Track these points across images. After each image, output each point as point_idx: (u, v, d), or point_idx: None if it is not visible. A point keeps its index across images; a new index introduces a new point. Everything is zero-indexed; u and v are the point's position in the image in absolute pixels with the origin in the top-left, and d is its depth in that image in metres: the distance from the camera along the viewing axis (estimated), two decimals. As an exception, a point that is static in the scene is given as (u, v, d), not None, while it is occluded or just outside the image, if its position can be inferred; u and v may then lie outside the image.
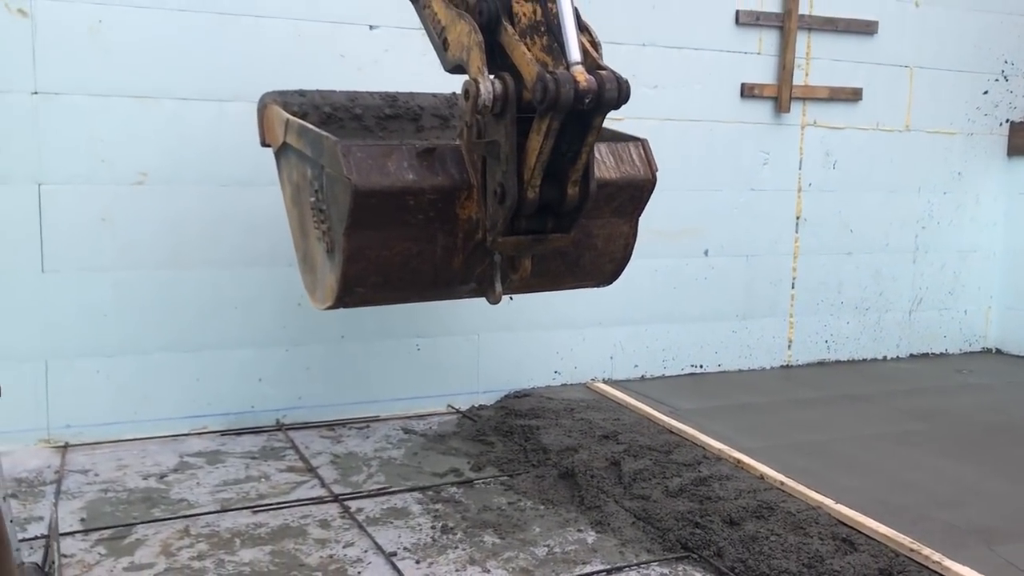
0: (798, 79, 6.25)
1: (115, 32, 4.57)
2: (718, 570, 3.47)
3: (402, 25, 5.08)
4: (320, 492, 4.13)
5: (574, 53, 3.00)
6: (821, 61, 6.34)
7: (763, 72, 6.17)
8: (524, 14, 3.16)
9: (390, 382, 5.30)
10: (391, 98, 4.52)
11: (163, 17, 4.65)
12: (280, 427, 4.99)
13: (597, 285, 4.11)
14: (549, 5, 3.16)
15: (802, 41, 6.23)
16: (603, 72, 3.01)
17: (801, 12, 6.17)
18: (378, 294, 3.54)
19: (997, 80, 7.02)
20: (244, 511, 3.90)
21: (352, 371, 5.21)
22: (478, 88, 3.04)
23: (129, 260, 4.72)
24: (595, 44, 3.28)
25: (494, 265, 3.55)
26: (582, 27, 3.21)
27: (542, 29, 3.16)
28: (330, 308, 3.61)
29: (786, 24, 6.13)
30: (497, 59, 3.16)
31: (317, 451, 4.66)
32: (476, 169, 3.33)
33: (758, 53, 6.14)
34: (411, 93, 4.62)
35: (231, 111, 4.78)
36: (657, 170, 3.81)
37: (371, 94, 4.50)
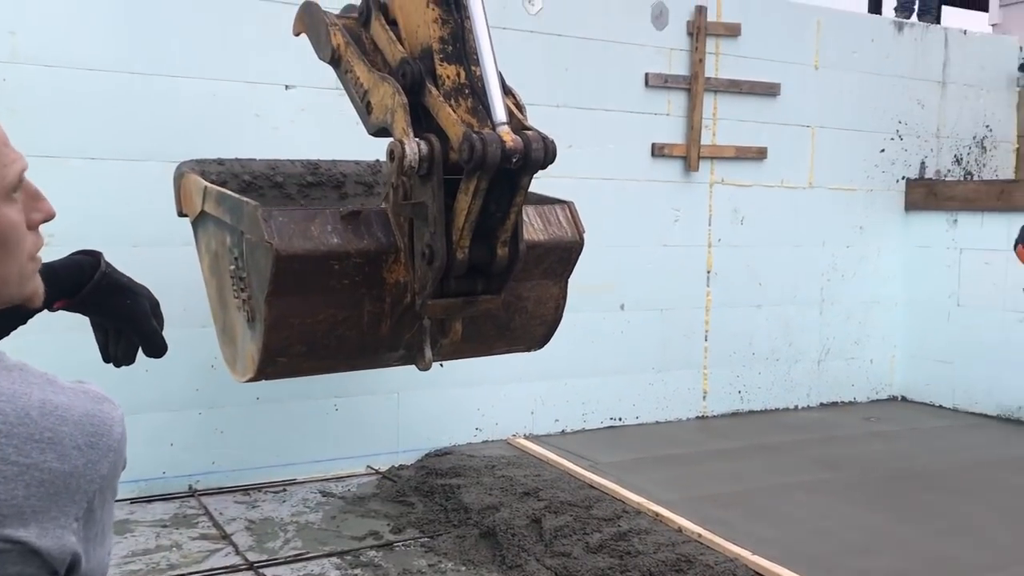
0: (706, 139, 6.47)
1: (21, 91, 4.48)
2: (639, 626, 3.48)
3: (318, 85, 5.11)
4: (234, 560, 4.02)
5: (499, 113, 2.99)
6: (727, 121, 6.58)
7: (672, 132, 6.37)
8: (448, 76, 3.16)
9: (308, 444, 5.21)
10: (313, 166, 4.44)
11: (71, 76, 4.58)
12: (193, 493, 4.84)
13: (528, 349, 4.03)
14: (473, 68, 3.16)
15: (709, 102, 6.47)
16: (529, 132, 3.01)
17: (707, 75, 6.42)
18: (302, 364, 3.41)
19: (893, 139, 7.39)
20: (154, 583, 3.77)
21: (268, 433, 5.11)
22: (403, 149, 3.00)
23: (34, 323, 4.57)
24: (520, 107, 3.29)
25: (423, 330, 3.44)
26: (506, 90, 3.22)
27: (466, 91, 3.15)
28: (251, 380, 3.45)
29: (693, 86, 6.36)
30: (422, 122, 3.13)
31: (231, 517, 4.54)
32: (403, 232, 3.26)
33: (667, 114, 6.34)
34: (333, 161, 4.55)
35: (144, 171, 4.71)
36: (584, 231, 3.82)
37: (292, 162, 4.43)
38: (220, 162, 4.22)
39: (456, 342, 3.47)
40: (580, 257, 3.95)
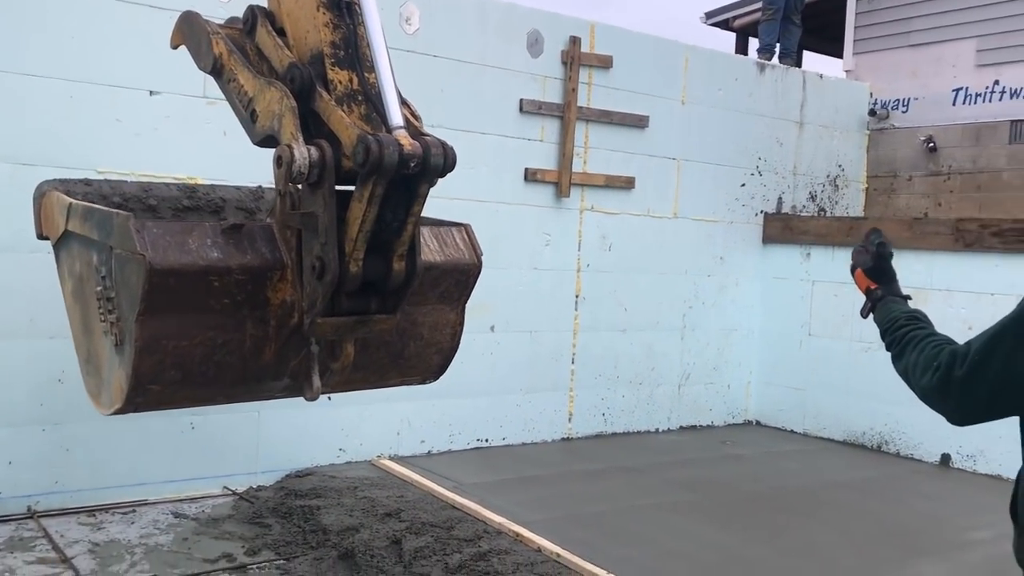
0: (577, 166, 6.61)
1: None
2: (495, 647, 3.48)
3: (185, 92, 4.97)
4: (74, 585, 3.81)
5: (395, 117, 2.84)
6: (598, 151, 6.75)
7: (545, 158, 6.49)
8: (340, 82, 2.98)
9: (161, 463, 5.00)
10: (190, 189, 4.19)
11: (-87, 69, 4.31)
12: (32, 515, 4.57)
13: (423, 381, 3.76)
14: (366, 75, 3.01)
15: (581, 131, 6.62)
16: (427, 137, 2.86)
17: (580, 104, 6.57)
18: (176, 393, 3.09)
19: (753, 174, 7.73)
20: (-17, 611, 3.53)
21: (118, 452, 4.88)
22: (292, 154, 2.80)
23: None
24: (416, 116, 3.18)
25: (311, 356, 3.17)
26: (402, 100, 3.13)
27: (359, 98, 2.98)
28: (119, 412, 3.09)
29: (566, 115, 6.50)
30: (311, 130, 2.95)
31: (74, 539, 4.31)
32: (290, 247, 3.04)
33: (540, 140, 6.45)
34: (212, 185, 4.31)
35: (-11, 172, 4.46)
36: (482, 254, 3.68)
37: (167, 185, 4.17)
38: (87, 182, 3.91)
39: (347, 367, 3.20)
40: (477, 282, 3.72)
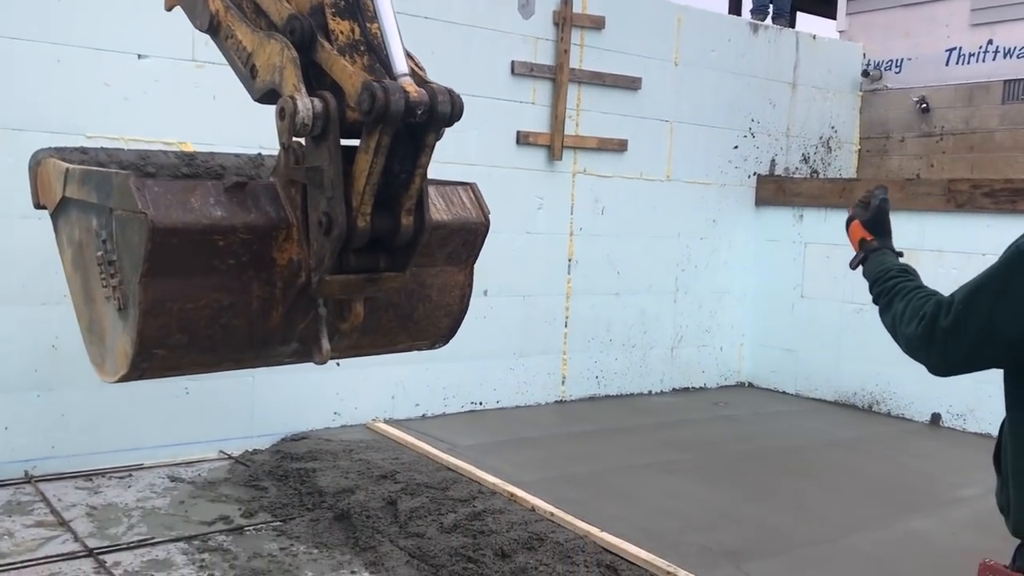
0: (569, 129, 6.59)
1: None
2: (490, 603, 3.53)
3: (174, 56, 4.93)
4: (73, 547, 3.84)
5: (400, 64, 2.76)
6: (591, 113, 6.72)
7: (537, 121, 6.46)
8: (341, 32, 2.89)
9: (156, 427, 5.03)
10: (189, 157, 4.13)
11: (-102, 33, 4.26)
12: (29, 479, 4.60)
13: (433, 345, 3.65)
14: (368, 25, 2.93)
15: (573, 93, 6.58)
16: (433, 85, 2.77)
17: (572, 66, 6.53)
18: (183, 357, 3.01)
19: (746, 136, 7.71)
20: (-17, 573, 3.57)
21: (114, 416, 4.90)
22: (295, 105, 2.73)
23: None
24: (420, 67, 3.14)
25: (320, 319, 3.10)
26: (406, 53, 3.08)
27: (362, 48, 2.90)
28: (124, 379, 3.02)
29: (558, 76, 6.46)
30: (313, 82, 2.87)
31: (71, 503, 4.34)
32: (295, 205, 2.96)
33: (532, 103, 6.42)
34: (211, 152, 4.27)
35: (-23, 138, 4.43)
36: (489, 213, 3.53)
37: (165, 153, 4.12)
38: (83, 151, 3.87)
39: (356, 328, 3.11)
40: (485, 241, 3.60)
